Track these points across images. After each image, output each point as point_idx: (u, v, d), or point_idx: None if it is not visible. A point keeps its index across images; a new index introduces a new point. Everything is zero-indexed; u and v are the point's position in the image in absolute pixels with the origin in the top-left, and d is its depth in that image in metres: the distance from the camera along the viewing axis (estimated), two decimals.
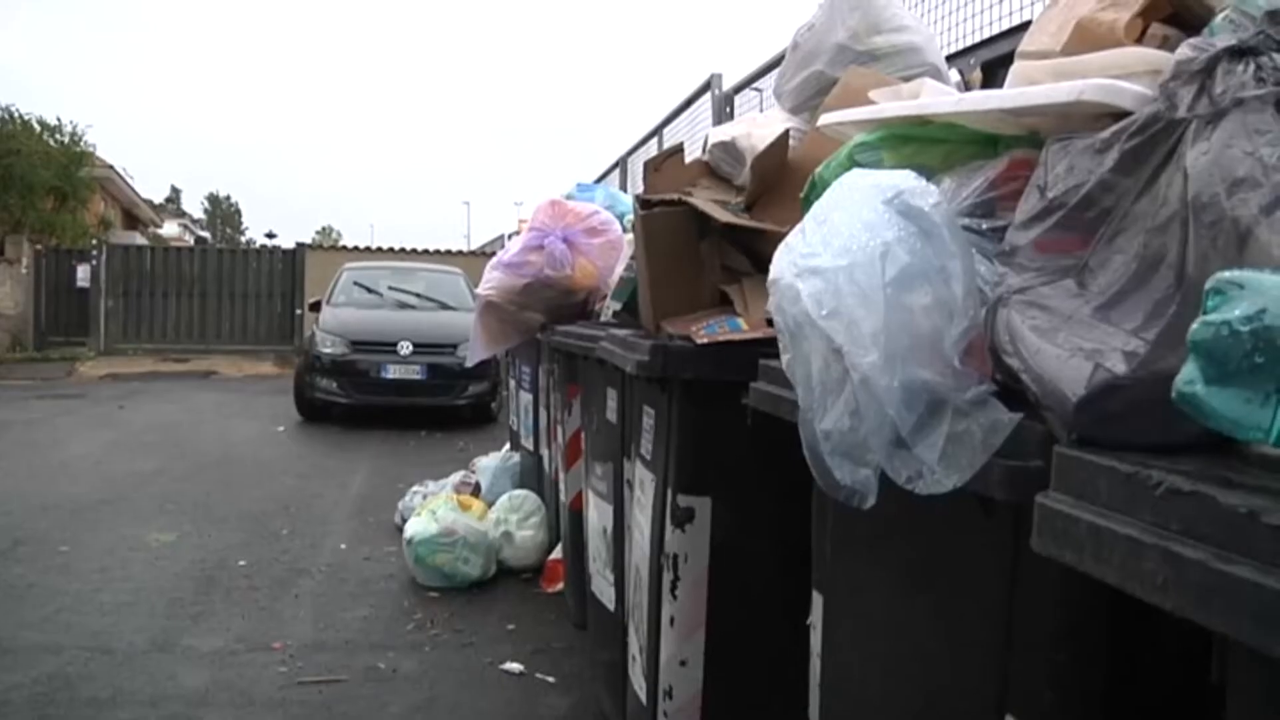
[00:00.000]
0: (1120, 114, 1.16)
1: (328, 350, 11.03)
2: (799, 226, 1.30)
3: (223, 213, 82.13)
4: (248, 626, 4.42)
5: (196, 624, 4.42)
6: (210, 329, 20.22)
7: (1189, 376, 0.75)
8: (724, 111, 6.44)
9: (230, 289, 20.34)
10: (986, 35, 3.60)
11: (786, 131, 2.52)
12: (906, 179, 1.23)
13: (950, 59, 3.52)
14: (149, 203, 35.97)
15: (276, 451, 9.29)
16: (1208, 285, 0.75)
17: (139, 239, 27.14)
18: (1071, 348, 0.96)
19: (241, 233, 78.91)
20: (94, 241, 21.28)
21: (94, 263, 19.78)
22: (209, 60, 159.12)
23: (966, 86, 2.95)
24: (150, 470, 7.95)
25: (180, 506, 6.69)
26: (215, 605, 4.70)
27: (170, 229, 45.29)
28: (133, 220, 31.70)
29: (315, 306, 12.55)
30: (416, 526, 5.19)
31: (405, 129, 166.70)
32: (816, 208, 1.29)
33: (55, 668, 3.82)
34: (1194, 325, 0.74)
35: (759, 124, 2.84)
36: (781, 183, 2.45)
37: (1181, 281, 0.90)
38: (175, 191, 74.36)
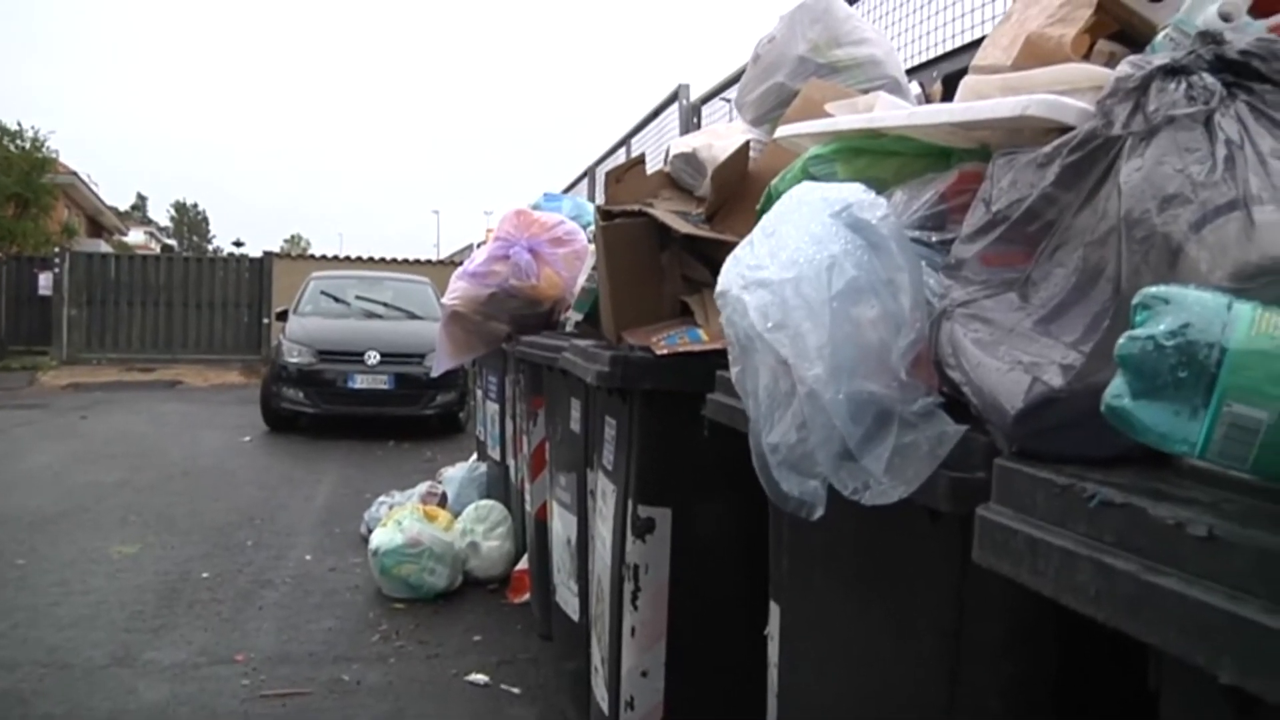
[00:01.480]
0: (1065, 129, 1.18)
1: (294, 360, 10.96)
2: (748, 239, 1.30)
3: (189, 220, 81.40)
4: (210, 639, 4.37)
5: (158, 637, 4.36)
6: (176, 338, 20.02)
7: (1117, 390, 0.76)
8: (691, 122, 6.46)
9: (196, 297, 20.16)
10: (948, 48, 3.63)
11: (747, 143, 2.53)
12: (855, 192, 1.24)
13: (912, 72, 3.55)
14: (114, 210, 35.65)
15: (242, 462, 9.21)
16: (1135, 300, 0.77)
17: (104, 246, 26.85)
18: (1011, 361, 0.97)
19: (209, 241, 78.30)
20: (56, 249, 21.00)
21: (56, 270, 19.54)
22: (177, 67, 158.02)
23: (927, 99, 2.97)
24: (113, 481, 7.85)
25: (143, 518, 6.62)
26: (177, 618, 4.64)
27: (136, 236, 44.87)
28: (97, 227, 31.36)
29: (282, 316, 12.46)
30: (382, 537, 5.16)
31: (376, 137, 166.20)
32: (765, 220, 1.30)
33: (9, 684, 3.76)
34: (1120, 340, 0.75)
35: (720, 135, 2.86)
36: (742, 194, 2.46)
37: (1119, 295, 0.92)
38: (141, 199, 73.79)
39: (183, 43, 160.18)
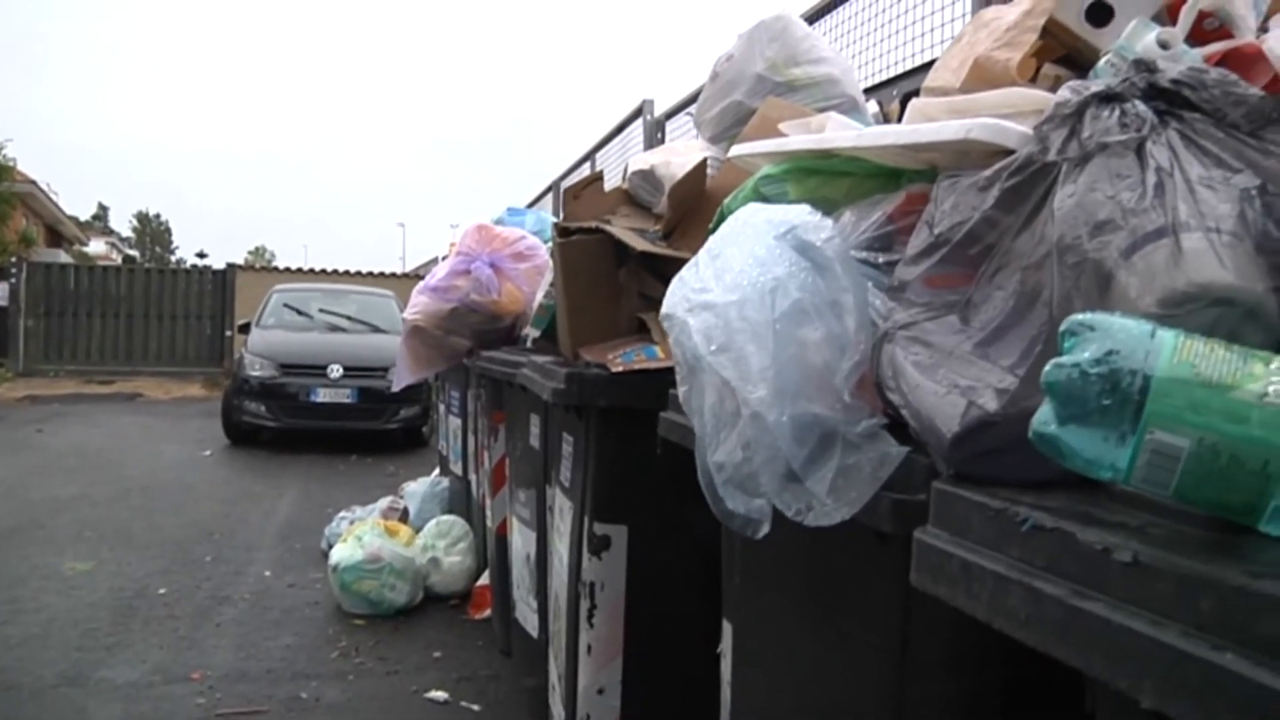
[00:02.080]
0: (1008, 152, 1.19)
1: (256, 373, 10.87)
2: (693, 260, 1.31)
3: (152, 231, 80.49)
4: (166, 657, 4.31)
5: (111, 655, 4.30)
6: (137, 350, 19.77)
7: (1044, 417, 0.77)
8: (655, 137, 6.48)
9: (158, 309, 19.94)
10: (907, 67, 3.67)
11: (704, 161, 2.54)
12: (800, 214, 1.25)
13: (871, 90, 3.58)
14: (74, 220, 35.16)
15: (202, 476, 9.10)
16: (1062, 327, 0.77)
17: (63, 256, 26.45)
18: (949, 384, 0.98)
19: (171, 252, 77.45)
20: (13, 259, 20.68)
21: (13, 280, 19.24)
22: (141, 77, 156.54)
23: (885, 118, 3.00)
24: (68, 496, 7.73)
25: (99, 533, 6.52)
26: (132, 635, 4.57)
27: (97, 247, 44.24)
28: (57, 237, 30.90)
29: (245, 328, 12.36)
30: (342, 553, 5.13)
31: (342, 149, 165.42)
32: (711, 242, 1.30)
33: None
34: (1047, 368, 0.76)
35: (678, 153, 2.87)
36: (699, 211, 2.47)
37: (1053, 320, 0.93)
38: (103, 209, 72.94)
39: (148, 52, 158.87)
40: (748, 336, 1.12)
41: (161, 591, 5.28)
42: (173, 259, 67.74)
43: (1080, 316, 0.76)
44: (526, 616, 3.61)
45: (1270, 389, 0.69)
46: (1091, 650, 0.71)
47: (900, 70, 3.72)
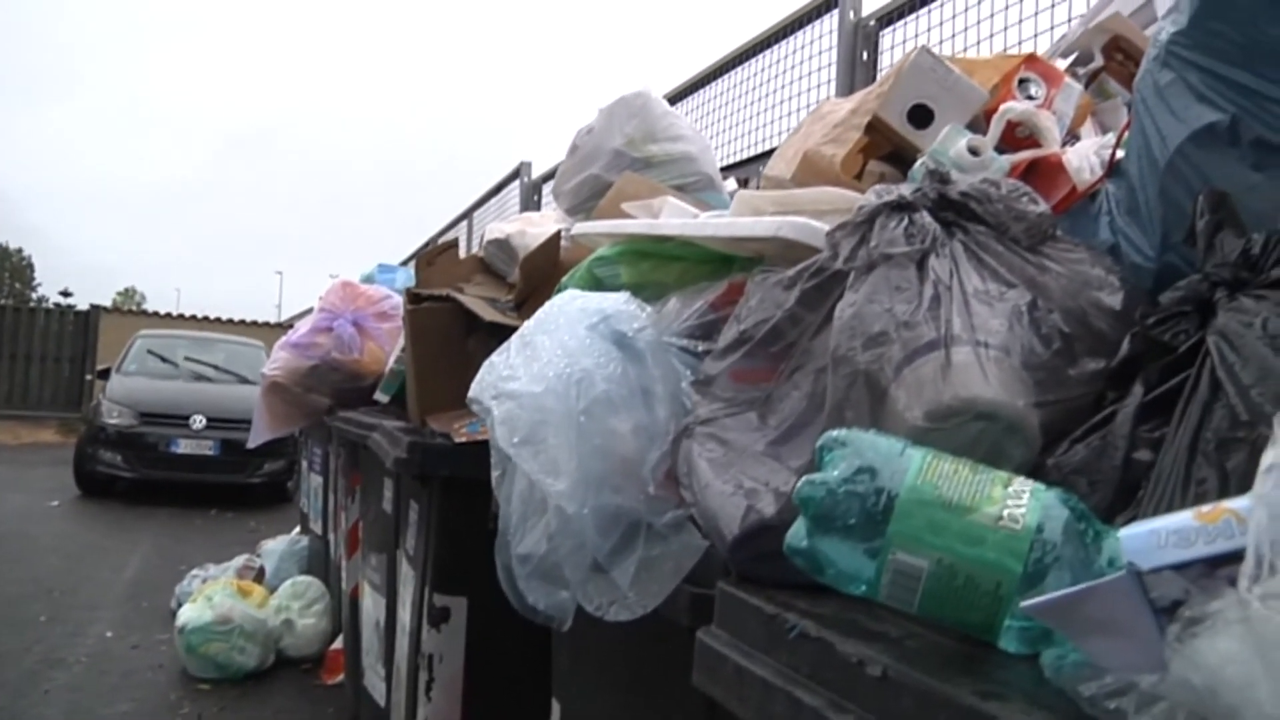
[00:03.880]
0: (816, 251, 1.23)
1: (113, 421, 10.42)
2: (505, 344, 1.31)
3: (12, 266, 76.94)
4: None
5: None
6: None
7: (798, 532, 0.78)
8: (532, 199, 6.52)
9: (12, 349, 18.98)
10: (772, 145, 3.77)
11: (558, 233, 2.56)
12: (615, 303, 1.26)
13: (733, 168, 3.67)
14: None
15: (46, 528, 8.62)
16: (818, 443, 0.79)
17: None
18: (735, 485, 0.99)
19: (33, 289, 74.06)
20: None
21: None
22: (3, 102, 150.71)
23: None
24: None
25: None
26: None
27: None
28: None
29: (104, 374, 11.88)
30: (190, 613, 4.91)
31: (222, 193, 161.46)
32: (524, 328, 1.30)
33: None
34: (799, 484, 0.78)
35: (534, 223, 2.88)
36: (551, 283, 2.46)
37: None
38: None
39: (10, 79, 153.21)
40: (550, 429, 1.12)
41: None
42: (34, 297, 64.78)
43: (835, 433, 0.78)
44: (375, 684, 3.51)
45: (1005, 512, 0.72)
46: None
47: (766, 148, 3.83)
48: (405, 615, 2.71)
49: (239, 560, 6.17)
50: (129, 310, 23.28)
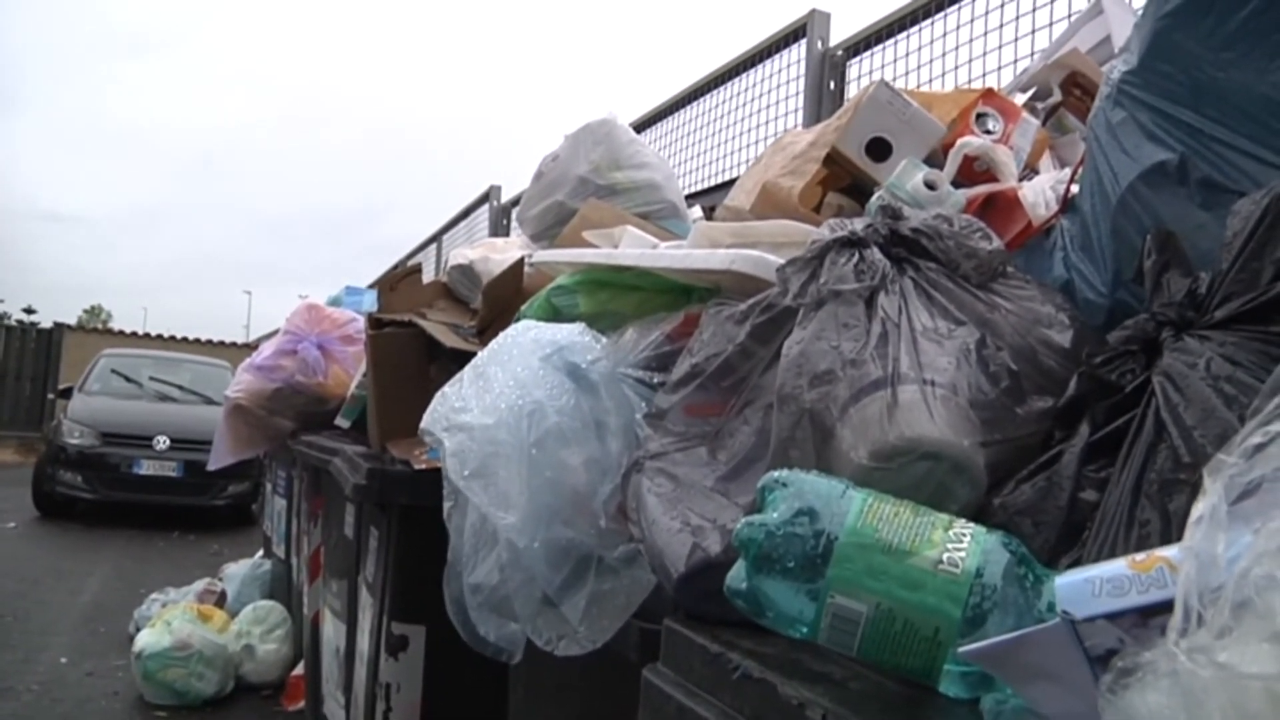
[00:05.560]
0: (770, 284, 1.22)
1: (74, 441, 10.26)
2: (459, 375, 1.30)
3: None
4: None
5: None
6: None
7: (739, 574, 0.77)
8: (501, 223, 6.50)
9: None
10: (737, 175, 3.78)
11: (521, 260, 2.55)
12: (569, 335, 1.25)
13: (699, 195, 3.68)
14: None
15: (1, 551, 8.48)
16: (760, 483, 0.79)
17: None
18: (682, 521, 0.98)
19: None
20: None
21: None
22: None
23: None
24: None
25: None
26: None
27: None
28: None
29: (66, 393, 11.70)
30: (148, 639, 4.84)
31: (189, 212, 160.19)
32: (479, 357, 1.29)
33: None
34: (738, 525, 0.77)
35: (498, 249, 2.88)
36: (513, 310, 2.46)
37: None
38: None
39: None
40: (501, 461, 1.11)
41: None
42: None
43: (776, 474, 0.77)
44: (334, 712, 3.46)
45: (944, 556, 0.71)
46: None
47: (730, 177, 3.84)
48: (364, 643, 2.68)
49: (200, 584, 6.08)
50: (94, 328, 22.95)
